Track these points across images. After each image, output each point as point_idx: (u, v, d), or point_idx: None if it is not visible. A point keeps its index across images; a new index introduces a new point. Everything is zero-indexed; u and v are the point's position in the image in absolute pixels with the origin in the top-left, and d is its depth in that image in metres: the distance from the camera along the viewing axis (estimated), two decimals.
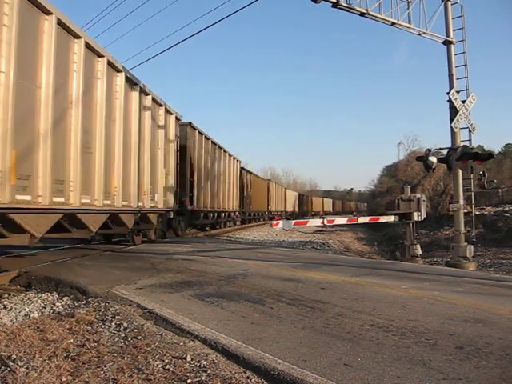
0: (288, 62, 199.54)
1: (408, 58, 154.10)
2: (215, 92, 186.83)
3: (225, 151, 22.43)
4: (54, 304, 5.17)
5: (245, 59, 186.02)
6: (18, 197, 5.89)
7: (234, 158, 24.88)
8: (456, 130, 11.41)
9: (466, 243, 11.38)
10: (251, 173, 32.04)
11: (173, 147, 13.25)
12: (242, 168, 27.92)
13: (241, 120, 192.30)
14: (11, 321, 4.51)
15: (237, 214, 26.49)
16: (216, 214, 20.84)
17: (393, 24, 11.04)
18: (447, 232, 21.71)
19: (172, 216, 13.59)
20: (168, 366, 3.17)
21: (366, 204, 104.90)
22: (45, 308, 5.01)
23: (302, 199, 61.57)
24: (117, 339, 3.82)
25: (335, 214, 75.94)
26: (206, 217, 19.03)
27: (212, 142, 19.34)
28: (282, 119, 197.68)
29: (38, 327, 4.17)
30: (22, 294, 5.62)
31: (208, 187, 18.54)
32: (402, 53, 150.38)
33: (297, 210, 54.99)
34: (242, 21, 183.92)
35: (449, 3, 11.76)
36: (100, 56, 8.52)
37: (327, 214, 65.73)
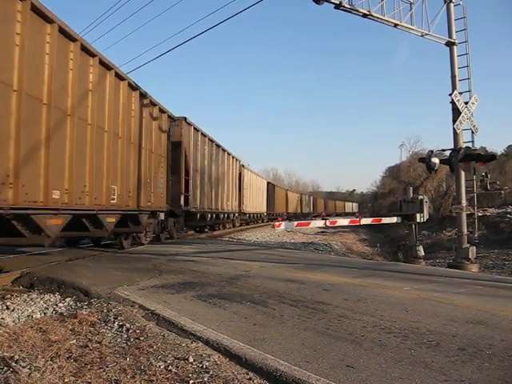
0: (288, 62, 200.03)
1: (408, 58, 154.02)
2: (216, 93, 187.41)
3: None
4: (57, 305, 5.18)
5: (245, 59, 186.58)
6: None
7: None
8: (458, 131, 11.39)
9: (468, 244, 11.36)
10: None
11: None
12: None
13: (241, 120, 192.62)
14: (14, 321, 4.52)
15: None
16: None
17: (396, 25, 11.04)
18: (450, 233, 21.64)
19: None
20: (170, 367, 3.18)
21: (358, 204, 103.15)
22: (47, 309, 5.02)
23: (273, 192, 39.65)
24: (119, 340, 3.83)
25: (315, 216, 59.39)
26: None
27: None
28: (282, 119, 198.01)
29: (41, 328, 4.18)
30: (25, 295, 5.63)
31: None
32: (402, 53, 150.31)
33: (265, 210, 35.31)
34: (243, 21, 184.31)
35: (451, 4, 11.75)
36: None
37: (295, 216, 49.57)
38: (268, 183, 38.20)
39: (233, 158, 23.87)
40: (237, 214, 25.50)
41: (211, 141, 18.89)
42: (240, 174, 25.88)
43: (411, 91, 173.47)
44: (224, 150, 21.51)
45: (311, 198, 70.58)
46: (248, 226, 28.58)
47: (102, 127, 8.76)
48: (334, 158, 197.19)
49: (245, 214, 27.61)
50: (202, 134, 17.23)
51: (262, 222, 36.78)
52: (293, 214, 50.67)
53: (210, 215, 18.75)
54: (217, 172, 19.86)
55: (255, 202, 30.91)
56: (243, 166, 27.36)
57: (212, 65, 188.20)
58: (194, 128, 16.19)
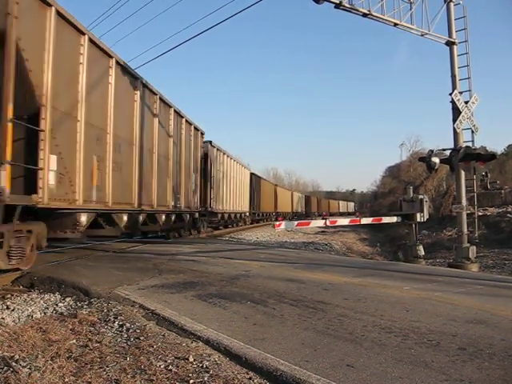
0: (288, 62, 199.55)
1: (408, 57, 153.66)
2: (215, 93, 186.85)
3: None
4: (57, 304, 5.17)
5: (245, 59, 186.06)
6: None
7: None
8: (459, 130, 11.40)
9: (468, 244, 11.37)
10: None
11: None
12: None
13: (241, 120, 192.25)
14: (14, 321, 4.51)
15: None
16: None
17: (395, 25, 11.04)
18: (450, 233, 21.66)
19: None
20: (170, 367, 3.17)
21: (354, 204, 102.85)
22: (47, 308, 5.02)
23: (259, 187, 31.74)
24: (119, 340, 3.83)
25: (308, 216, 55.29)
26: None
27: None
28: (282, 119, 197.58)
29: (41, 328, 4.17)
30: (25, 295, 5.62)
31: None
32: (402, 53, 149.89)
33: (247, 209, 27.06)
34: (243, 21, 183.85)
35: (451, 4, 11.76)
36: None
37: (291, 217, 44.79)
38: (251, 174, 28.92)
39: (189, 124, 14.39)
40: (197, 215, 16.08)
41: (130, 74, 9.37)
42: (206, 155, 17.42)
43: (411, 91, 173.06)
44: (170, 106, 12.25)
45: (302, 195, 61.93)
46: (243, 227, 24.30)
47: None
48: (334, 158, 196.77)
49: (215, 213, 19.12)
50: (96, 45, 7.86)
51: (244, 224, 27.88)
52: (284, 214, 42.83)
53: (127, 216, 9.34)
54: (150, 141, 10.69)
55: (233, 199, 22.31)
56: (211, 143, 18.11)
57: (212, 65, 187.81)
58: (61, 16, 6.47)
